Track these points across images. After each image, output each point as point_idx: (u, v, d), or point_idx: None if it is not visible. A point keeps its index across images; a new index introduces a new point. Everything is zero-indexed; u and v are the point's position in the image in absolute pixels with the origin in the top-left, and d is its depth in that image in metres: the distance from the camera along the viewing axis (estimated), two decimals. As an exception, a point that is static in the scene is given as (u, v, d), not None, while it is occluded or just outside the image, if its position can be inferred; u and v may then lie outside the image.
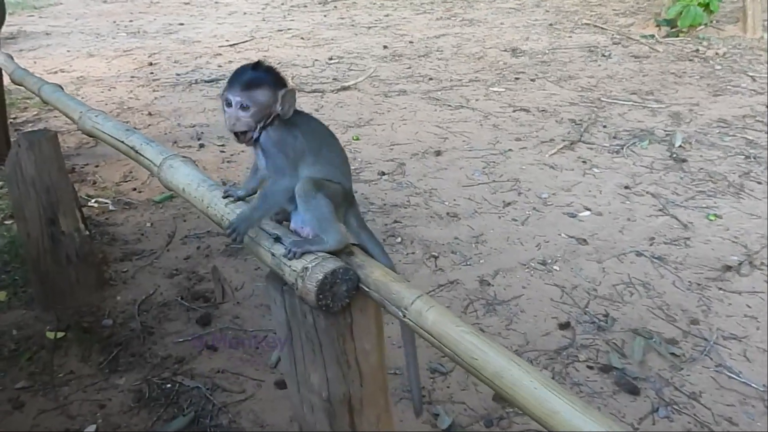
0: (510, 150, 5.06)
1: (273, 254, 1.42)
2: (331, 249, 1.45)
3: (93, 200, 4.35)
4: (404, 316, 1.24)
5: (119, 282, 3.44)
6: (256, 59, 1.65)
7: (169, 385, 2.69)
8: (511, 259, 3.58)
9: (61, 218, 3.08)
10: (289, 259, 1.38)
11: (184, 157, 1.86)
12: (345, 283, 1.33)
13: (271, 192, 1.53)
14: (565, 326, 3.02)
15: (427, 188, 4.44)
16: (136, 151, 2.00)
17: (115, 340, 2.97)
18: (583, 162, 4.83)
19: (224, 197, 1.66)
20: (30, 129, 5.80)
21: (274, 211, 1.59)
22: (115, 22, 10.71)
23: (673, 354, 2.82)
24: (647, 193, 4.32)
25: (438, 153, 5.02)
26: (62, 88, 3.04)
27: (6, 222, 4.08)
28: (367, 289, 1.34)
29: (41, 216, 3.05)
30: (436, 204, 4.21)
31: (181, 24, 10.35)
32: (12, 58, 4.00)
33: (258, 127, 1.56)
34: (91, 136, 2.38)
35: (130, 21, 10.77)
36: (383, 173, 4.66)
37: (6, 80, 4.69)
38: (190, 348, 2.92)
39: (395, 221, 3.97)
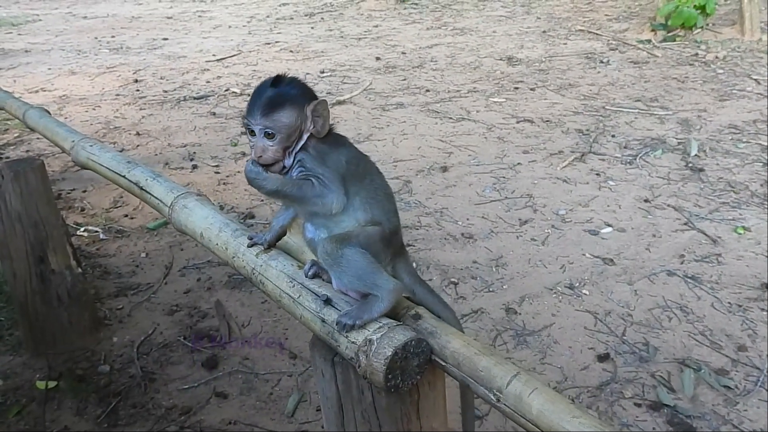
0: (519, 164, 4.84)
1: (323, 320, 1.17)
2: (390, 304, 1.20)
3: (82, 229, 4.07)
4: (498, 400, 1.00)
5: (114, 321, 3.17)
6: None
7: (176, 441, 2.42)
8: (536, 283, 3.35)
9: (50, 255, 2.80)
10: (347, 332, 1.13)
11: (199, 194, 1.60)
12: (416, 357, 1.09)
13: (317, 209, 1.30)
14: (604, 358, 2.79)
15: (437, 207, 4.20)
16: (141, 188, 1.74)
17: (113, 389, 2.70)
18: (597, 174, 4.62)
19: (250, 246, 1.41)
20: (12, 152, 5.51)
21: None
22: (96, 38, 10.41)
23: (725, 386, 2.59)
24: (668, 206, 4.11)
25: (444, 169, 4.79)
26: (49, 113, 2.77)
27: (-12, 256, 3.78)
28: (443, 364, 1.09)
29: (29, 254, 2.78)
30: (449, 224, 3.98)
31: (165, 39, 10.07)
32: (-9, 79, 3.72)
33: (289, 154, 1.32)
34: (85, 169, 2.12)
35: (112, 37, 10.47)
36: (389, 192, 4.41)
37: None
38: (198, 396, 2.65)
39: (408, 244, 3.72)
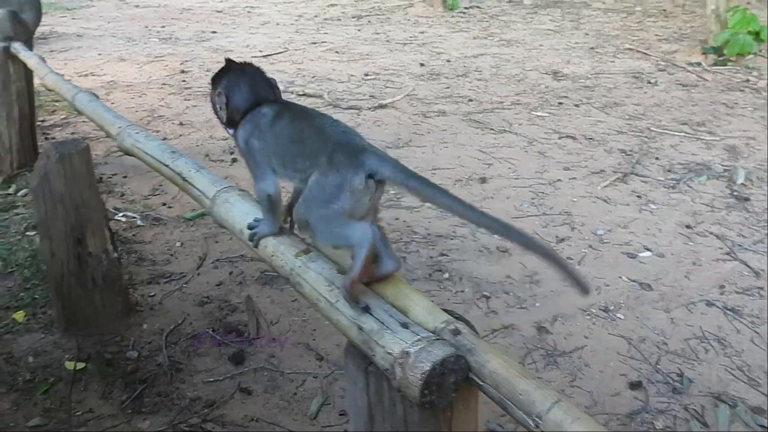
0: (559, 180, 4.77)
1: (360, 328, 1.15)
2: (369, 250, 1.22)
3: (120, 214, 4.12)
4: (536, 426, 0.96)
5: (146, 308, 3.19)
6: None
7: (198, 433, 2.42)
8: (570, 303, 3.28)
9: (89, 238, 2.83)
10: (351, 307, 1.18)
11: (241, 189, 1.60)
12: (454, 374, 1.06)
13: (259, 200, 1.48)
14: (636, 386, 2.72)
15: (473, 218, 4.15)
16: (184, 179, 1.75)
17: (139, 375, 2.71)
18: (638, 197, 4.52)
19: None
20: (58, 133, 5.62)
21: (277, 217, 1.47)
22: (147, 27, 10.58)
23: (762, 426, 2.51)
24: (711, 234, 4.01)
25: (483, 180, 4.75)
26: (98, 97, 2.80)
27: (28, 233, 3.85)
28: (481, 383, 1.06)
29: (68, 235, 2.81)
30: (484, 236, 3.92)
31: (214, 32, 10.19)
32: (44, 61, 3.80)
33: (226, 126, 1.53)
34: (129, 155, 2.13)
35: (162, 27, 10.63)
36: (426, 199, 4.37)
37: (36, 81, 4.52)
38: (222, 390, 2.65)
39: (441, 254, 3.69)
